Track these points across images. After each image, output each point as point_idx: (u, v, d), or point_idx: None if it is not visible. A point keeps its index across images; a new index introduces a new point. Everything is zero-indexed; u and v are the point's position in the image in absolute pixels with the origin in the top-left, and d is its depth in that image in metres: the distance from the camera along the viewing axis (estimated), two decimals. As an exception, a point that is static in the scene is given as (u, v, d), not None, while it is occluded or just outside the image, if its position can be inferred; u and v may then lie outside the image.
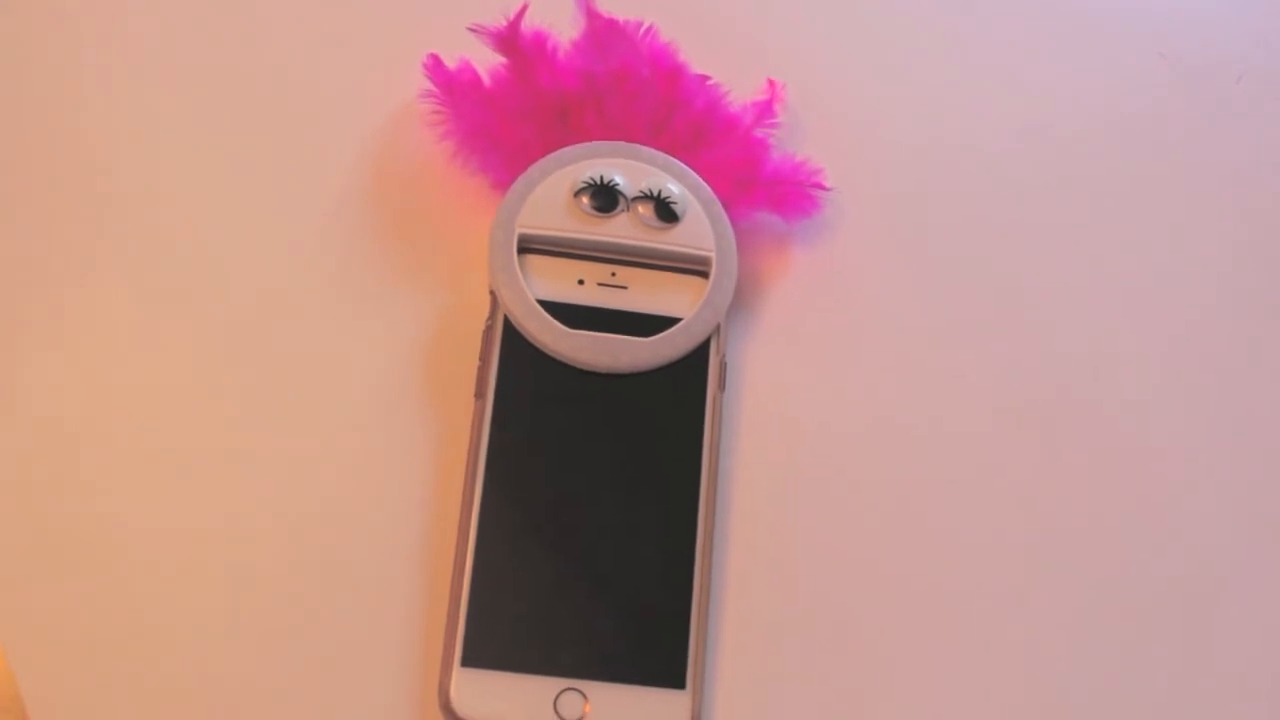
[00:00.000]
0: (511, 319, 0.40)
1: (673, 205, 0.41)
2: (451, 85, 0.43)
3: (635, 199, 0.41)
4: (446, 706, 0.36)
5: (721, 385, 0.40)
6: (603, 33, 0.43)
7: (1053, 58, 0.48)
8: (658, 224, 0.41)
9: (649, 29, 0.43)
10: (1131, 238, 0.45)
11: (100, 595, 0.38)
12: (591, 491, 0.39)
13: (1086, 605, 0.40)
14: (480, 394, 0.40)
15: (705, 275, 0.41)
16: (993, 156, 0.46)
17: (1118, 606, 0.40)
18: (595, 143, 0.42)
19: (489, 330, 0.40)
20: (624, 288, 0.41)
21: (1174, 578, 0.41)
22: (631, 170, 0.41)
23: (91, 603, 0.38)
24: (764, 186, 0.43)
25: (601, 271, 0.41)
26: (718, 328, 0.41)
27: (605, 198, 0.41)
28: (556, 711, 0.37)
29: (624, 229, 0.41)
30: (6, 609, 0.38)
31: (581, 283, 0.41)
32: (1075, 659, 0.39)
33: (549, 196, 0.41)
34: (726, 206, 0.42)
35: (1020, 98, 0.47)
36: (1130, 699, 0.39)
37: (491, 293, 0.41)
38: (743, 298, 0.42)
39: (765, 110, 0.44)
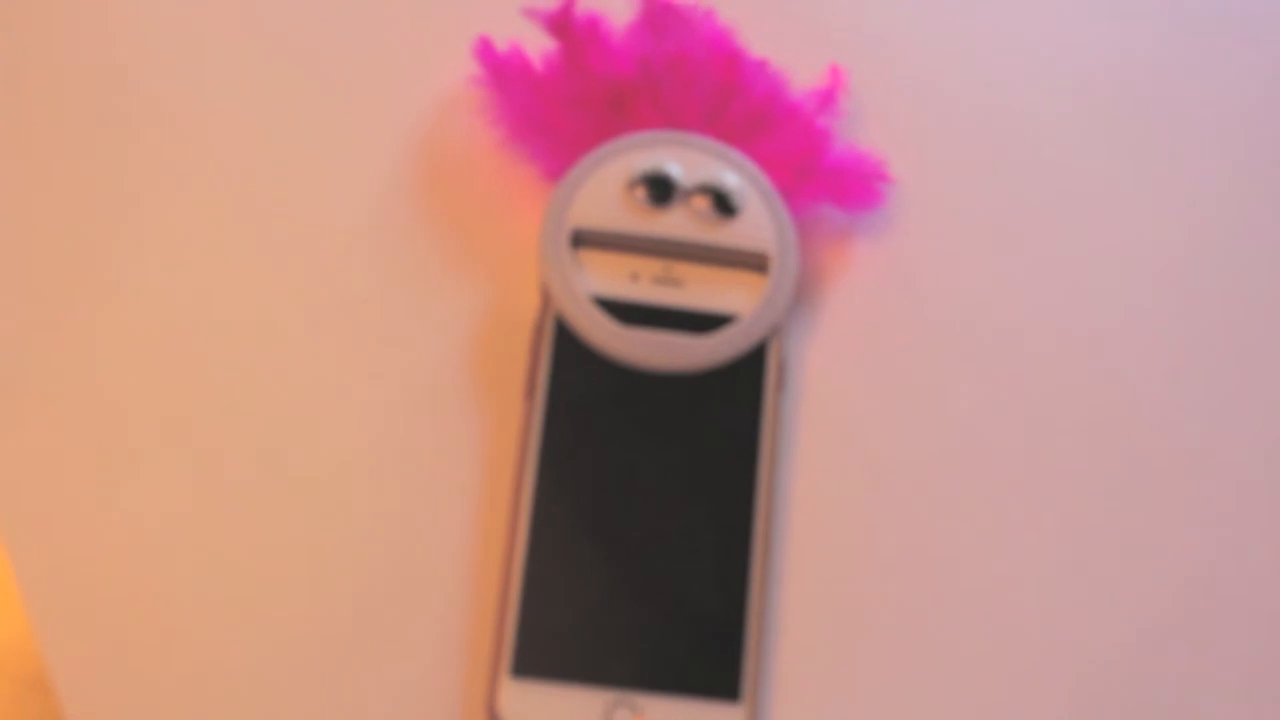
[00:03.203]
0: (563, 316, 0.39)
1: (731, 198, 0.40)
2: (502, 70, 0.42)
3: (692, 191, 0.40)
4: (494, 717, 0.36)
5: (780, 386, 0.39)
6: (659, 15, 0.42)
7: (1131, 41, 0.46)
8: (715, 218, 0.40)
9: (707, 12, 0.42)
10: (1220, 215, 0.43)
11: (135, 587, 0.37)
12: (645, 495, 0.38)
13: (1175, 610, 0.39)
14: (530, 393, 0.38)
15: (764, 271, 0.40)
16: (1067, 145, 0.44)
17: (1198, 605, 0.39)
18: (650, 132, 0.41)
19: (539, 327, 0.39)
20: (680, 284, 0.40)
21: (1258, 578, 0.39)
22: (688, 161, 0.40)
23: (125, 594, 0.37)
24: (825, 177, 0.42)
25: (656, 267, 0.40)
26: (777, 326, 0.39)
27: (660, 190, 0.40)
28: (608, 725, 0.36)
29: (680, 223, 0.40)
30: (40, 592, 0.37)
31: (635, 278, 0.39)
32: (1163, 663, 0.38)
33: (602, 189, 0.40)
34: (786, 198, 0.41)
35: (1098, 85, 0.45)
36: (1211, 693, 0.38)
37: (542, 288, 0.39)
38: (803, 294, 0.41)
39: (827, 98, 0.42)
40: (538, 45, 0.42)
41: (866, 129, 0.43)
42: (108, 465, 0.39)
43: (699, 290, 0.40)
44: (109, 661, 0.37)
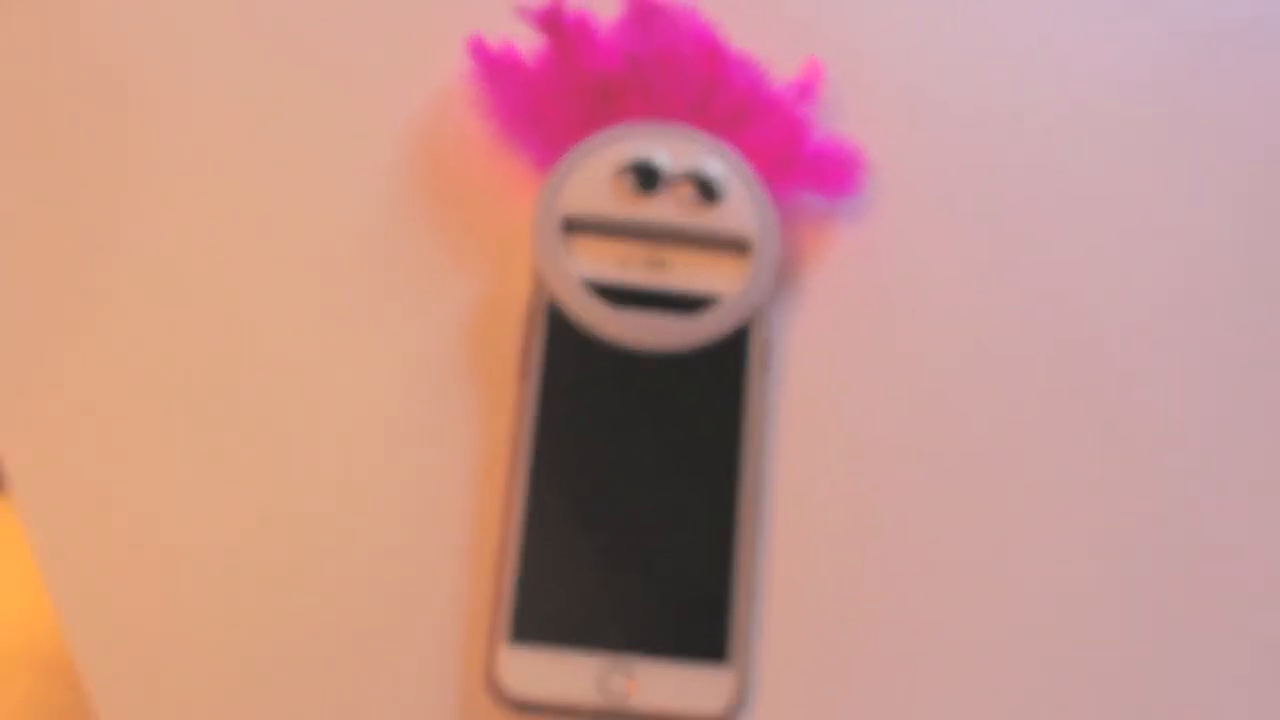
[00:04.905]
0: (555, 299, 0.40)
1: (714, 185, 0.41)
2: (495, 66, 0.43)
3: (677, 179, 0.41)
4: (493, 684, 0.37)
5: (764, 365, 0.41)
6: (645, 13, 0.43)
7: (1104, 30, 0.47)
8: (700, 204, 0.41)
9: (691, 8, 0.43)
10: (1186, 209, 0.44)
11: (151, 570, 0.39)
12: (636, 471, 0.39)
13: (1144, 584, 0.40)
14: (524, 375, 0.40)
15: (747, 255, 0.41)
16: (1040, 131, 0.45)
17: (1187, 592, 0.40)
18: (637, 123, 0.42)
19: (532, 311, 0.40)
20: (666, 267, 0.41)
21: (1247, 573, 0.40)
22: (674, 150, 0.41)
23: (144, 578, 0.38)
24: (805, 165, 0.43)
25: (644, 251, 0.41)
26: (759, 307, 0.41)
27: (648, 178, 0.41)
28: (602, 688, 0.37)
29: (666, 209, 0.41)
30: (64, 583, 0.38)
31: (624, 263, 0.41)
32: (1131, 638, 0.39)
33: (592, 177, 0.41)
34: (768, 185, 0.42)
35: (1071, 71, 0.46)
36: (1209, 692, 0.39)
37: (535, 273, 0.41)
38: (784, 277, 0.42)
39: (807, 89, 0.44)
40: (529, 42, 0.43)
41: (844, 118, 0.45)
42: (116, 466, 0.40)
43: (685, 273, 0.41)
44: (134, 646, 0.38)
